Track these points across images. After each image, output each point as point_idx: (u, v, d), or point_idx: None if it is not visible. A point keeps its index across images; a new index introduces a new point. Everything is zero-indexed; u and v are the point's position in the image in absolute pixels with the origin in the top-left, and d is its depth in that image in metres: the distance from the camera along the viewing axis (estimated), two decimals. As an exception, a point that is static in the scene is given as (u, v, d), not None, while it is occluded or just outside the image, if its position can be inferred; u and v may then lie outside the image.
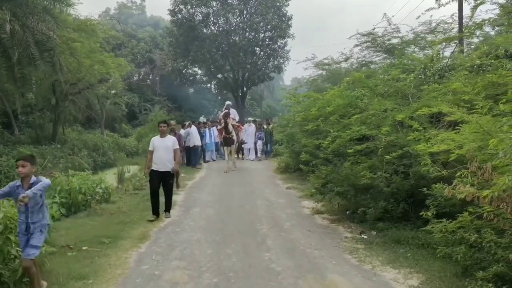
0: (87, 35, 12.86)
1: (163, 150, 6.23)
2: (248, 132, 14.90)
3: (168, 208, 6.46)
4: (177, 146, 6.40)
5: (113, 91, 20.54)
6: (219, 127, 12.82)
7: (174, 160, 6.34)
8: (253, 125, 15.31)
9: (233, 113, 12.74)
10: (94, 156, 14.67)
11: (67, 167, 10.44)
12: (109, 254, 4.57)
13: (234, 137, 11.87)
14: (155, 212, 6.21)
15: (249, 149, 15.29)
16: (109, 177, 9.34)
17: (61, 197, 6.58)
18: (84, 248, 4.71)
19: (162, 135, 6.34)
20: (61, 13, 10.79)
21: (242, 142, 13.83)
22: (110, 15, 32.59)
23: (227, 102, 12.97)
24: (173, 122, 9.10)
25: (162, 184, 6.28)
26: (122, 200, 7.78)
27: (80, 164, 12.12)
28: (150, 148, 6.39)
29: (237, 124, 12.89)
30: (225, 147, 12.22)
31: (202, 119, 16.42)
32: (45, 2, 10.13)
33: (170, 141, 6.34)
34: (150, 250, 4.75)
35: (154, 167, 6.23)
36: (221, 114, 12.11)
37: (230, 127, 11.51)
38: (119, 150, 17.27)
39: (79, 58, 12.29)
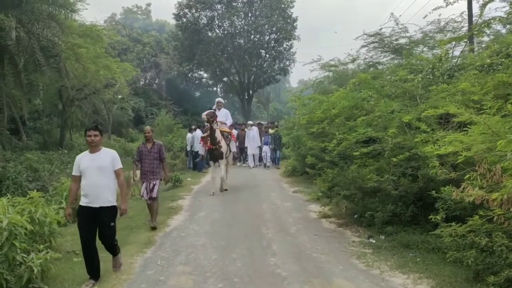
0: (92, 41, 12.98)
1: (96, 173, 3.89)
2: (249, 137, 13.70)
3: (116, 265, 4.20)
4: (119, 166, 4.02)
5: (119, 96, 20.71)
6: (203, 134, 9.32)
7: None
8: (254, 129, 14.10)
9: (224, 114, 9.28)
10: (101, 161, 14.73)
11: (74, 172, 10.48)
12: (115, 259, 4.56)
13: (224, 148, 8.54)
14: (92, 273, 3.91)
15: (253, 155, 14.07)
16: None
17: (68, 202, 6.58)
18: (89, 253, 4.71)
19: (93, 150, 3.98)
20: (66, 19, 10.91)
21: (236, 156, 10.55)
22: (116, 20, 32.93)
23: (218, 99, 9.56)
24: (148, 128, 6.11)
25: (98, 230, 3.98)
26: (128, 205, 7.77)
27: (87, 169, 12.17)
28: (75, 172, 4.07)
29: (228, 130, 9.19)
30: (211, 162, 8.78)
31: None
32: (50, 8, 10.26)
33: (107, 157, 3.99)
34: (155, 255, 4.74)
35: (83, 201, 3.96)
36: (204, 114, 8.28)
37: (218, 135, 8.35)
38: (125, 154, 17.36)
39: (85, 64, 12.40)
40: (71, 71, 11.68)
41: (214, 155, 8.49)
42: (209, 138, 8.40)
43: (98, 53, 13.44)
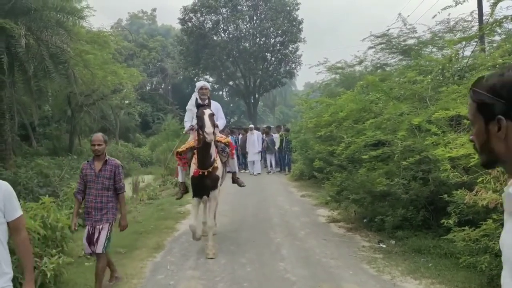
0: (99, 47, 13.13)
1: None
2: (250, 142, 12.91)
3: None
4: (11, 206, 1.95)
5: (126, 101, 20.90)
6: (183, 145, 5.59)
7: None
8: (255, 133, 13.38)
9: (215, 108, 5.11)
10: (109, 166, 14.86)
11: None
12: (125, 263, 4.59)
13: (219, 171, 4.96)
14: None
15: (253, 161, 13.18)
16: (125, 187, 9.41)
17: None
18: (100, 258, 4.74)
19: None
20: (74, 26, 11.04)
21: (236, 179, 5.82)
22: (122, 26, 33.34)
23: (201, 84, 5.38)
24: (99, 136, 3.81)
25: None
26: (137, 210, 7.83)
27: (96, 174, 12.27)
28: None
29: (222, 137, 5.51)
30: (195, 198, 4.99)
31: None
32: (58, 15, 10.40)
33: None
34: (165, 259, 4.75)
35: None
36: (190, 108, 5.33)
37: (212, 151, 4.77)
38: (133, 159, 17.50)
39: (93, 70, 12.55)
40: (79, 77, 11.83)
41: (204, 185, 4.76)
42: (195, 156, 4.76)
43: (105, 59, 13.60)
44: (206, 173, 4.73)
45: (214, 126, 4.60)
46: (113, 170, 3.76)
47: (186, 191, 5.54)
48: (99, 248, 3.64)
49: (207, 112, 4.57)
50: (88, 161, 3.85)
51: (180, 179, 5.52)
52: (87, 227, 3.76)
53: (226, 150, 5.28)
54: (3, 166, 9.88)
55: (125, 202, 4.08)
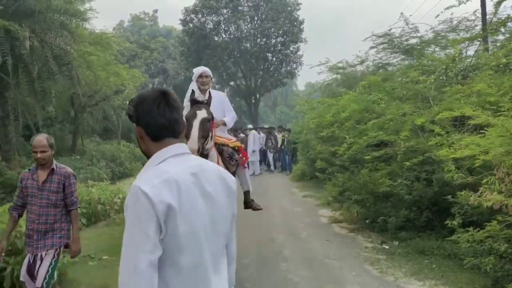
0: (102, 48, 13.18)
1: None
2: (250, 142, 12.68)
3: None
4: None
5: (128, 102, 20.99)
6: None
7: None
8: (252, 133, 13.38)
9: (219, 102, 3.93)
10: (112, 166, 14.92)
11: (86, 178, 10.62)
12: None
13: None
14: None
15: (253, 162, 12.76)
16: (127, 187, 9.43)
17: (81, 207, 6.70)
18: (104, 257, 4.75)
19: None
20: (78, 27, 11.11)
21: (251, 202, 4.40)
22: (124, 27, 33.45)
23: (201, 70, 4.07)
24: (42, 139, 2.87)
25: None
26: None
27: (99, 175, 12.32)
28: None
29: (231, 139, 4.26)
30: None
31: None
32: (62, 17, 10.48)
33: None
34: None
35: None
36: (186, 104, 3.56)
37: (212, 160, 3.36)
38: (135, 160, 17.53)
39: (95, 71, 12.60)
40: (82, 79, 11.88)
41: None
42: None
43: (108, 60, 13.64)
44: None
45: (206, 137, 3.27)
46: (61, 182, 2.91)
47: None
48: (38, 282, 2.78)
49: (199, 115, 3.23)
50: (29, 169, 2.99)
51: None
52: (28, 254, 2.91)
53: (235, 157, 3.94)
54: (7, 166, 9.94)
55: (79, 221, 3.10)
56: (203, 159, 1.33)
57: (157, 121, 1.20)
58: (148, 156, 1.24)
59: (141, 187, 1.08)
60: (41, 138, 2.87)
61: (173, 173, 1.13)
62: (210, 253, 1.16)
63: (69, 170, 3.03)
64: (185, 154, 1.23)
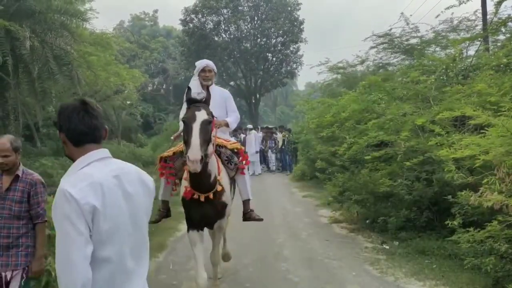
0: (102, 48, 13.17)
1: None
2: (248, 142, 12.64)
3: None
4: None
5: (128, 102, 20.96)
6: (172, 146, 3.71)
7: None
8: (253, 133, 13.38)
9: (219, 99, 3.60)
10: (111, 166, 14.92)
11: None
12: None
13: (226, 195, 3.25)
14: None
15: (253, 162, 12.68)
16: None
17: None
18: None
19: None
20: (78, 28, 11.11)
21: (250, 212, 3.83)
22: (124, 27, 33.45)
23: (204, 63, 3.67)
24: (4, 141, 2.46)
25: None
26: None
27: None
28: None
29: (229, 140, 3.71)
30: (192, 232, 3.21)
31: None
32: (62, 18, 10.47)
33: None
34: (167, 259, 4.76)
35: None
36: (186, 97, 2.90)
37: (212, 166, 3.01)
38: (135, 160, 17.51)
39: (96, 71, 12.60)
40: (82, 79, 11.86)
41: (204, 213, 3.15)
42: (187, 170, 2.87)
43: (108, 60, 13.63)
44: (204, 199, 3.00)
45: (208, 142, 2.77)
46: (26, 190, 2.53)
47: (167, 214, 3.79)
48: None
49: (199, 117, 2.71)
50: None
51: (160, 196, 3.63)
52: None
53: (234, 161, 3.46)
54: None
55: (45, 237, 2.63)
56: (124, 162, 1.47)
57: (77, 127, 1.33)
58: (73, 160, 1.36)
59: (68, 189, 1.20)
60: (4, 141, 2.47)
61: (97, 176, 1.27)
62: (130, 246, 1.32)
63: (37, 177, 2.62)
64: (107, 158, 1.39)
